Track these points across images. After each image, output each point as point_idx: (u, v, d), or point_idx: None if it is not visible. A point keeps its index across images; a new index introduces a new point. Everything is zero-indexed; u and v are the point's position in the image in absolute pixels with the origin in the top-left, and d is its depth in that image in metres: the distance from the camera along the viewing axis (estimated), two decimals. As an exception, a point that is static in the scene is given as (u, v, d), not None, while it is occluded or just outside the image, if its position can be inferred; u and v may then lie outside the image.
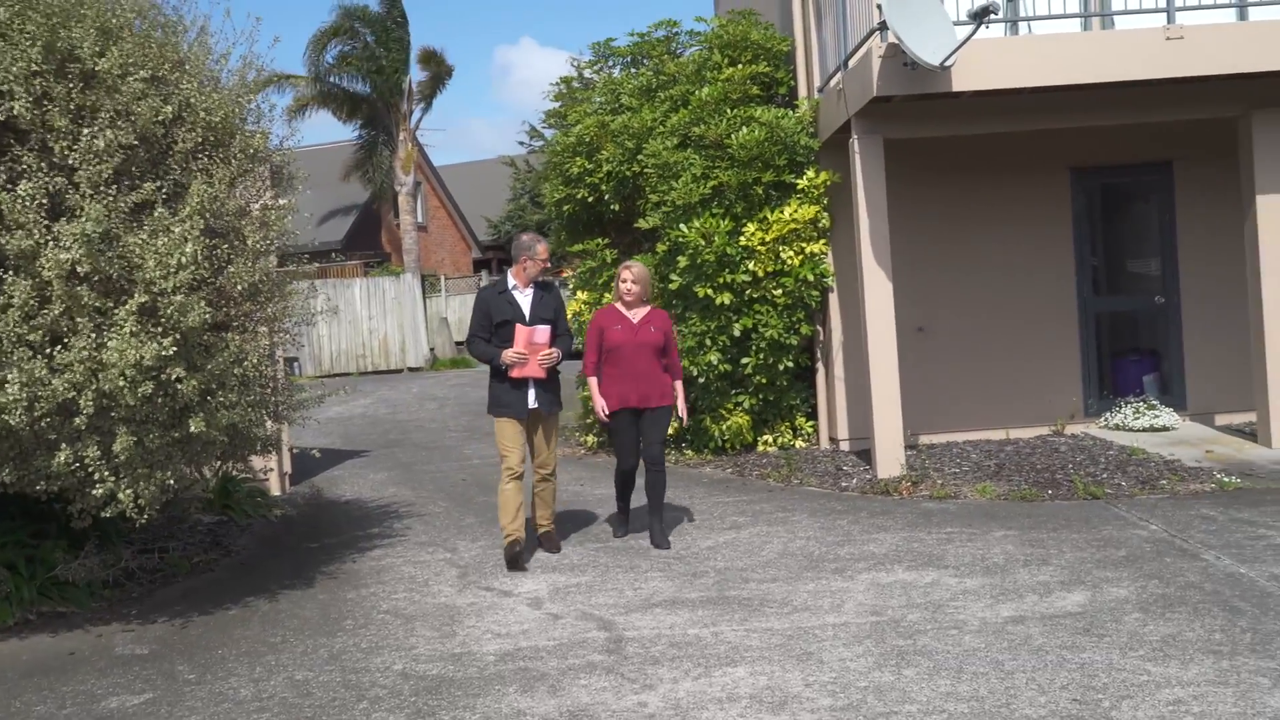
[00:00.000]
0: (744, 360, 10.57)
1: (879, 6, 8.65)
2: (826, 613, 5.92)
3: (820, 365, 11.03)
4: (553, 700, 4.90)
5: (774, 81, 11.41)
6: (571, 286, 12.66)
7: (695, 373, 10.46)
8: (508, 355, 7.10)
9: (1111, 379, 11.25)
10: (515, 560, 7.23)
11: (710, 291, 10.31)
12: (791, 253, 10.34)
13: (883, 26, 8.68)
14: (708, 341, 10.47)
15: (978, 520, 7.80)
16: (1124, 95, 9.39)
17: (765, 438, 10.95)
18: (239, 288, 6.51)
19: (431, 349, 26.87)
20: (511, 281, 7.29)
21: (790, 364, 10.62)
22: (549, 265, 6.69)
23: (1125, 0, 9.39)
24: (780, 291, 10.37)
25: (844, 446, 10.75)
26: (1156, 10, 9.14)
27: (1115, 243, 11.47)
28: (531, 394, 7.23)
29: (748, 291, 10.44)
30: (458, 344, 28.32)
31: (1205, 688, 4.61)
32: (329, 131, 39.55)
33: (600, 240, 11.69)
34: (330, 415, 16.65)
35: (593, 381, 7.50)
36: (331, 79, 29.27)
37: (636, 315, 7.51)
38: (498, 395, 7.27)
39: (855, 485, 9.24)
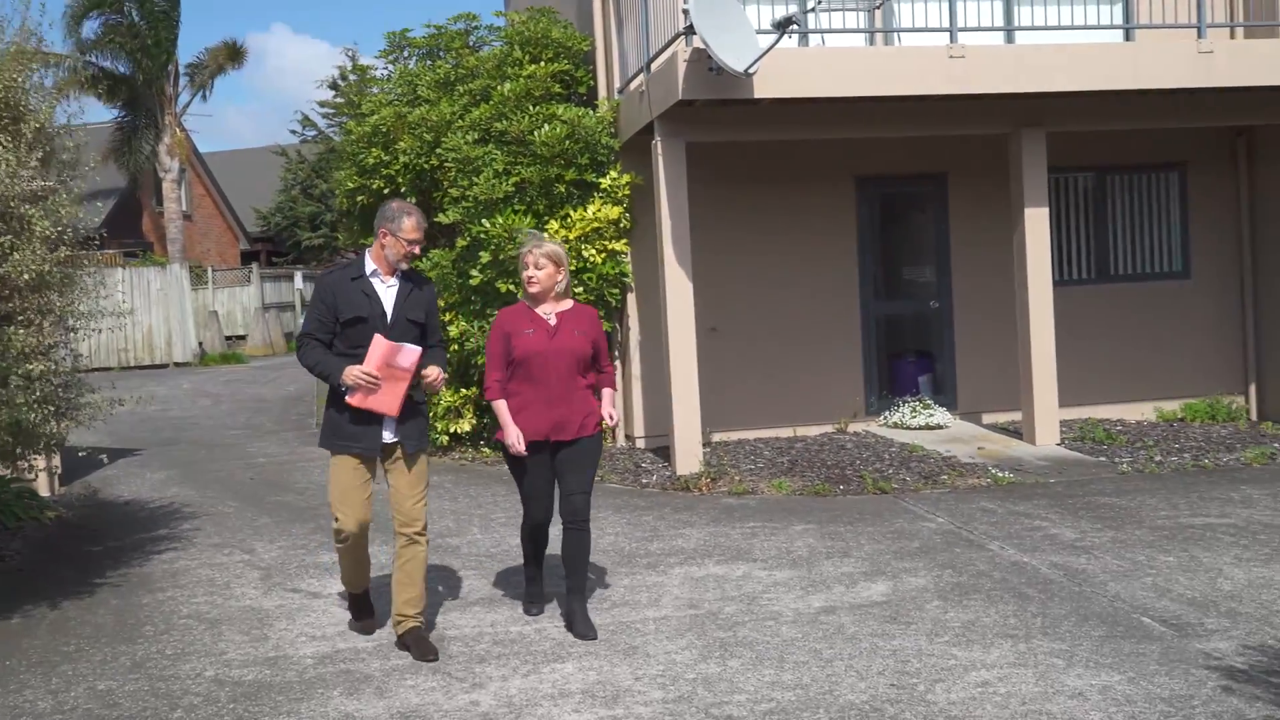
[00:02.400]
0: (544, 358, 10.57)
1: (685, 11, 8.82)
2: (645, 607, 6.01)
3: (618, 363, 11.15)
4: (381, 702, 4.79)
5: (574, 80, 11.47)
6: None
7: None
8: (351, 374, 5.09)
9: (890, 379, 11.82)
10: (363, 611, 5.76)
11: (513, 287, 10.27)
12: (594, 251, 10.42)
13: (689, 30, 8.85)
14: (509, 338, 10.42)
15: (778, 515, 8.06)
16: (908, 109, 9.88)
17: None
18: (25, 278, 6.08)
19: (200, 343, 25.72)
20: (370, 265, 5.29)
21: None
22: (418, 252, 5.29)
23: (913, 19, 9.90)
24: (582, 289, 10.43)
25: (640, 444, 10.91)
26: (941, 29, 9.66)
27: (895, 249, 12.06)
28: (389, 422, 5.28)
29: (550, 289, 10.44)
30: (228, 339, 27.21)
31: (1008, 669, 4.92)
32: (87, 111, 37.30)
33: (396, 234, 11.46)
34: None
35: (501, 407, 5.55)
36: (91, 57, 27.60)
37: (551, 314, 5.63)
38: (336, 422, 5.27)
39: (655, 482, 9.39)
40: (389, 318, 5.26)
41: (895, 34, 10.56)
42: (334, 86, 34.08)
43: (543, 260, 5.60)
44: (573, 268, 10.41)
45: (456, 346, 10.63)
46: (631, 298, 10.90)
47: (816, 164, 11.30)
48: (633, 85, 10.52)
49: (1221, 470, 9.14)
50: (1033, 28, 10.15)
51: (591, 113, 10.79)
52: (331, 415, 5.32)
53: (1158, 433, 10.71)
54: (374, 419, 5.23)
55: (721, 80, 8.89)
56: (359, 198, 11.68)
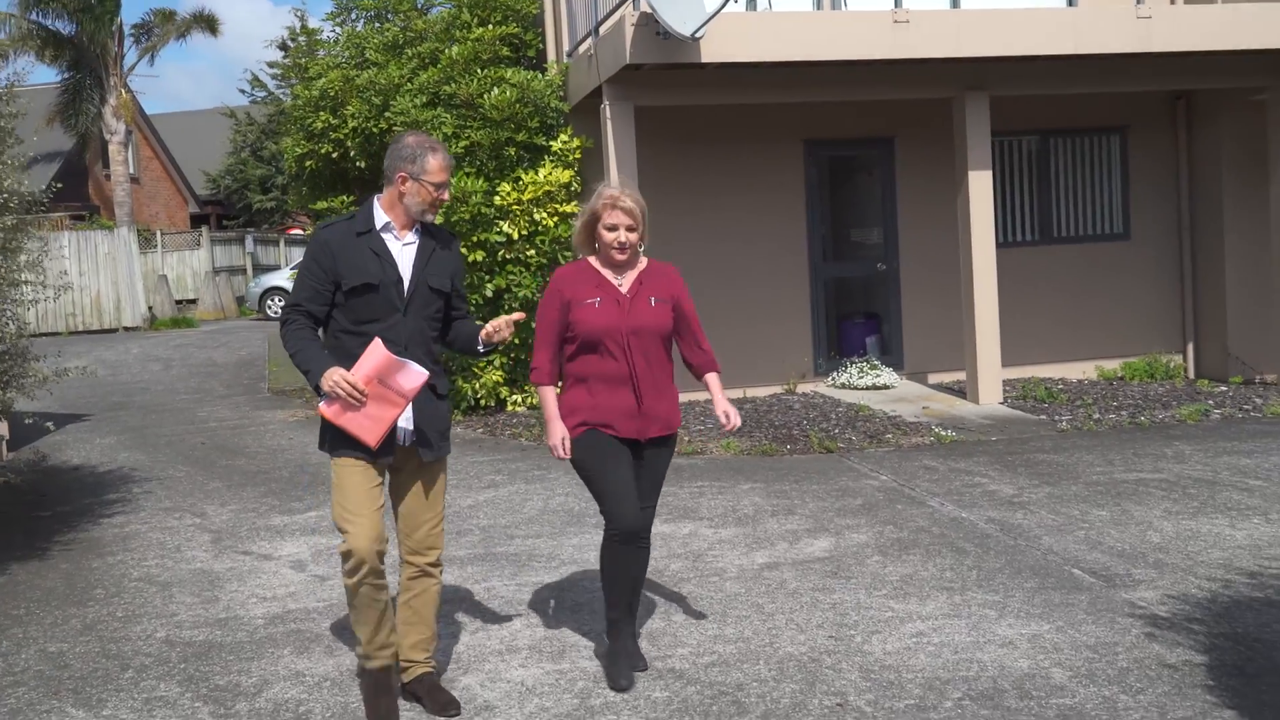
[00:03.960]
0: (496, 320, 10.63)
1: (633, -25, 8.85)
2: (593, 565, 6.12)
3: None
4: (331, 660, 4.88)
5: (523, 43, 11.47)
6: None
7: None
8: (331, 380, 3.93)
9: (839, 340, 11.98)
10: (386, 691, 4.18)
11: (464, 250, 10.31)
12: (545, 214, 10.47)
13: (637, -5, 8.89)
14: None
15: (726, 474, 8.20)
16: (855, 73, 9.98)
17: (515, 397, 11.06)
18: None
19: (150, 308, 25.47)
20: (380, 217, 4.13)
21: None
22: (446, 198, 4.16)
23: (858, -17, 9.98)
24: (534, 252, 10.48)
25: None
26: (886, -6, 9.76)
27: (843, 212, 12.19)
28: (407, 420, 4.18)
29: (501, 252, 10.49)
30: (178, 303, 26.98)
31: (942, 620, 5.08)
32: (32, 72, 36.59)
33: (345, 197, 11.46)
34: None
35: (548, 394, 4.46)
36: (34, 15, 27.08)
37: (626, 279, 4.47)
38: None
39: (606, 443, 9.49)
40: (406, 284, 4.12)
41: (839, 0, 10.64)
42: (283, 47, 33.64)
43: (634, 215, 4.38)
44: (525, 231, 10.47)
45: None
46: (582, 261, 10.95)
47: (765, 127, 11.37)
48: (581, 49, 10.54)
49: (1157, 427, 9.38)
50: (977, -8, 10.26)
51: (541, 76, 10.80)
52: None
53: (1097, 391, 10.96)
54: None
55: (669, 44, 8.94)
56: (307, 162, 11.64)
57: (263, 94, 35.84)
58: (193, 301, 27.87)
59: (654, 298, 4.47)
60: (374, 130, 11.06)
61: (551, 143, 10.63)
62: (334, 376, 3.94)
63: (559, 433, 4.42)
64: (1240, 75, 10.67)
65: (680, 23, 8.73)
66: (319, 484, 8.40)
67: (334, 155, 11.33)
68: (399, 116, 10.62)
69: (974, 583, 5.58)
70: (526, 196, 10.42)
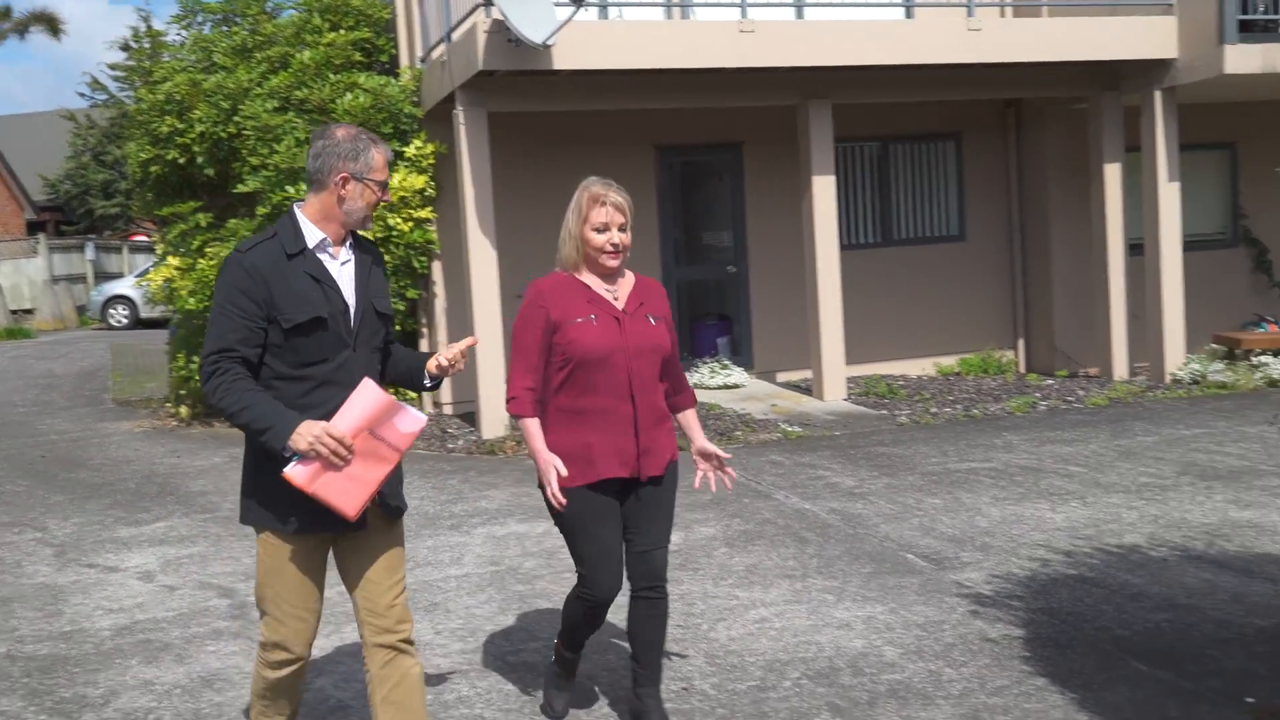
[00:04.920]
0: (349, 326, 10.59)
1: (483, -17, 8.94)
2: (448, 566, 6.21)
3: (425, 331, 11.24)
4: (181, 668, 4.88)
5: (376, 49, 11.44)
6: (160, 251, 12.09)
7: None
8: (312, 436, 3.14)
9: (691, 341, 12.25)
10: None
11: (315, 257, 10.24)
12: (400, 220, 10.47)
13: (488, 2, 8.98)
14: (312, 308, 10.41)
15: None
16: (703, 81, 10.24)
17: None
18: None
19: (-16, 317, 24.48)
20: (312, 232, 3.36)
21: (396, 329, 10.76)
22: (390, 200, 3.53)
23: (704, -6, 10.26)
24: (389, 258, 10.47)
25: (448, 410, 11.05)
26: (732, 4, 10.04)
27: (695, 216, 12.48)
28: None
29: (353, 258, 10.44)
30: (13, 313, 25.96)
31: (784, 606, 5.33)
32: None
33: (193, 203, 11.26)
34: None
35: (533, 428, 3.80)
36: None
37: (621, 293, 3.91)
38: (266, 485, 3.31)
39: (461, 446, 9.56)
40: (353, 312, 3.38)
41: (690, 8, 10.90)
42: (126, 48, 32.62)
43: (625, 211, 3.86)
44: (379, 235, 10.46)
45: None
46: (437, 266, 11.00)
47: (618, 133, 11.57)
48: (434, 54, 10.59)
49: (989, 419, 9.87)
50: (819, 4, 10.64)
51: (394, 82, 10.80)
52: (255, 470, 3.35)
53: (935, 386, 11.46)
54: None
55: (521, 51, 9.06)
56: (152, 168, 11.39)
57: (104, 97, 34.69)
58: (30, 311, 26.84)
59: (652, 315, 3.88)
60: (222, 135, 10.89)
61: (405, 149, 10.64)
62: (314, 431, 3.12)
63: (552, 470, 3.71)
64: (1062, 85, 11.28)
65: (532, 30, 8.85)
66: (167, 494, 8.30)
67: (180, 161, 11.12)
68: (249, 121, 10.50)
69: (815, 570, 5.85)
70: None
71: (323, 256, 3.36)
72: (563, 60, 9.24)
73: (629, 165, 11.74)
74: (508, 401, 3.81)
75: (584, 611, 3.97)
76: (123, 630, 5.40)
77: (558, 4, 9.15)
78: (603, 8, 10.37)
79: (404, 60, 11.30)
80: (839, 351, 10.79)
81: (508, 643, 5.00)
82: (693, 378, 11.71)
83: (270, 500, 3.31)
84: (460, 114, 9.65)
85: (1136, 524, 6.40)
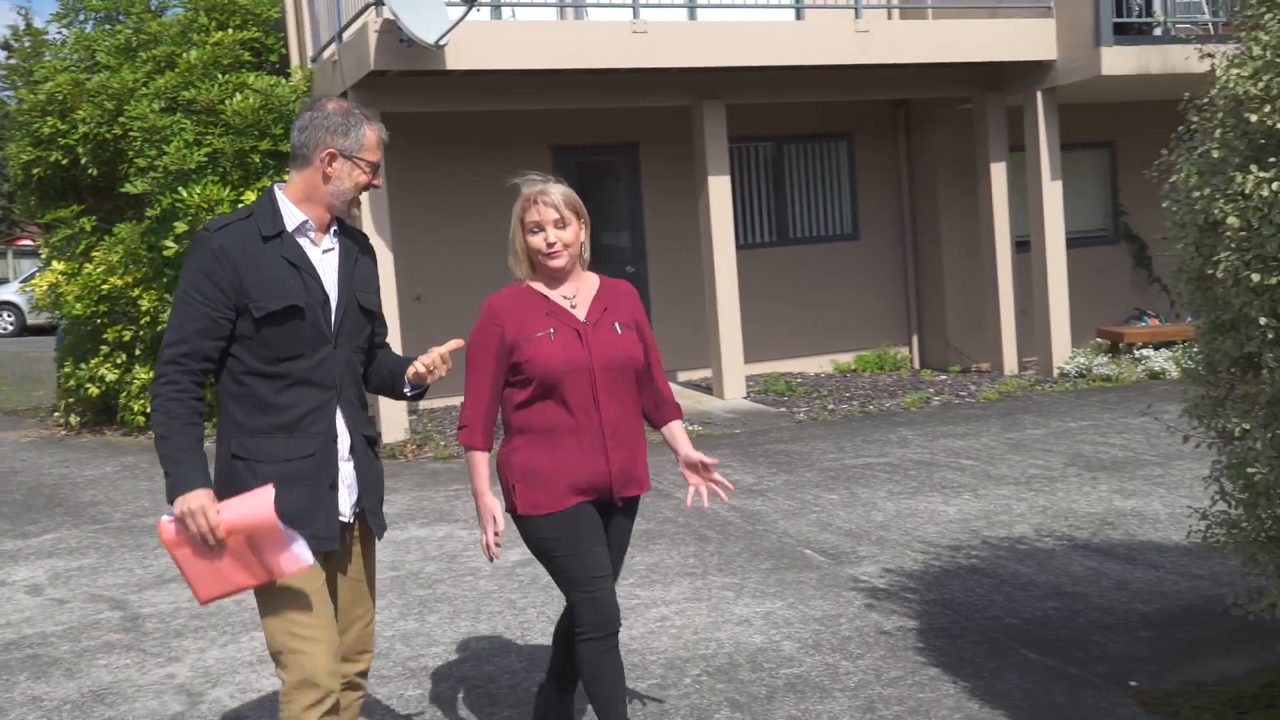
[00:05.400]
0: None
1: (374, -18, 8.86)
2: (347, 572, 6.15)
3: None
4: (71, 683, 4.76)
5: (265, 48, 11.26)
6: (44, 256, 11.75)
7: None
8: (189, 507, 2.84)
9: (592, 342, 12.25)
10: None
11: (206, 261, 10.04)
12: (292, 222, 10.30)
13: (379, 1, 8.90)
14: (204, 312, 10.22)
15: (481, 477, 8.33)
16: (598, 81, 10.28)
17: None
18: None
19: None
20: (292, 213, 3.05)
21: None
22: (380, 184, 3.21)
23: (598, -5, 10.29)
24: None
25: (346, 414, 10.91)
26: (624, 5, 10.09)
27: (593, 216, 12.41)
28: (348, 487, 3.14)
29: (246, 261, 10.27)
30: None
31: (685, 604, 5.38)
32: None
33: (76, 206, 10.97)
34: None
35: (479, 463, 3.46)
36: None
37: (582, 301, 3.57)
38: (251, 483, 2.99)
39: (361, 451, 9.46)
40: (334, 305, 3.09)
41: (584, 8, 10.92)
42: (6, 47, 31.60)
43: (565, 211, 3.46)
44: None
45: (148, 322, 10.32)
46: (332, 268, 10.85)
47: (513, 133, 11.55)
48: (325, 54, 10.45)
49: (884, 415, 10.07)
50: (712, 5, 10.73)
51: (285, 82, 10.64)
52: (238, 471, 3.00)
53: (833, 383, 11.65)
54: (326, 473, 3.06)
55: (413, 51, 9.00)
56: (35, 170, 11.07)
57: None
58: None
59: (619, 323, 3.54)
60: (107, 136, 10.63)
61: (297, 149, 10.47)
62: (193, 504, 2.83)
63: (490, 514, 3.39)
64: (949, 86, 11.55)
65: (424, 30, 8.80)
66: (55, 505, 8.08)
67: (64, 162, 10.83)
68: (135, 122, 10.25)
69: (715, 567, 5.92)
70: (272, 204, 10.23)
71: (303, 241, 3.06)
72: (456, 60, 9.19)
73: (525, 166, 11.58)
74: (458, 430, 3.49)
75: (600, 655, 3.43)
76: (9, 645, 5.25)
77: (450, 4, 9.11)
78: (496, 8, 10.34)
79: (294, 60, 11.14)
80: (738, 350, 10.91)
81: (408, 648, 4.97)
82: (593, 378, 11.72)
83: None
84: (354, 115, 9.53)
85: (1026, 515, 6.59)
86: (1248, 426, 3.42)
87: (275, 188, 3.09)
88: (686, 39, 10.03)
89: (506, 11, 10.77)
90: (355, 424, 3.14)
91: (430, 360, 3.16)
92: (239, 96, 10.20)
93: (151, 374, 10.46)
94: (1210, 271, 3.46)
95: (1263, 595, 3.47)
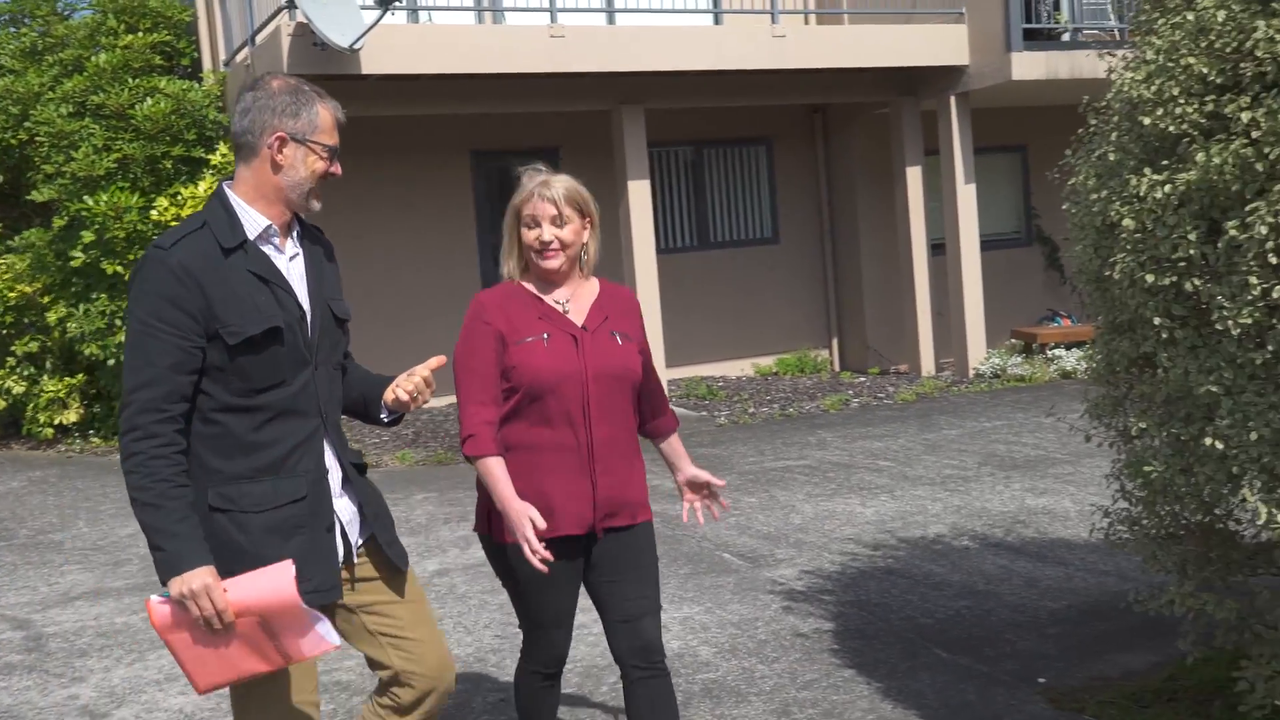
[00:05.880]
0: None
1: (286, -15, 8.74)
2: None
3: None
4: (-31, 707, 4.63)
5: (176, 52, 11.06)
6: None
7: (104, 355, 9.94)
8: (190, 588, 2.43)
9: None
10: None
11: (121, 269, 9.84)
12: (204, 230, 10.13)
13: (291, 4, 8.78)
14: (118, 322, 9.99)
15: (400, 485, 8.25)
16: (516, 86, 10.23)
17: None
18: None
19: None
20: (255, 220, 2.67)
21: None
22: (339, 173, 2.83)
23: (516, -1, 10.26)
24: (192, 269, 10.12)
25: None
26: (541, 10, 10.06)
27: (513, 222, 12.41)
28: (349, 524, 2.78)
29: (157, 269, 10.07)
30: None
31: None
32: None
33: (-21, 214, 10.69)
34: None
35: (495, 468, 3.04)
36: None
37: (579, 306, 3.24)
38: (237, 538, 2.59)
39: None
40: (309, 321, 2.71)
41: (502, 13, 10.88)
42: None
43: (565, 208, 3.13)
44: (181, 247, 10.10)
45: (57, 333, 10.08)
46: (247, 276, 10.69)
47: (433, 139, 11.47)
48: (238, 58, 10.29)
49: (804, 418, 10.15)
50: (630, 10, 10.74)
51: (197, 86, 10.45)
52: (221, 525, 2.59)
53: (754, 387, 11.72)
54: (323, 516, 2.68)
55: (328, 55, 8.89)
56: (-66, 176, 10.77)
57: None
58: None
59: (619, 333, 3.23)
60: (12, 142, 10.37)
61: (211, 156, 10.30)
62: (195, 584, 2.42)
63: (525, 518, 2.95)
64: (866, 91, 11.68)
65: (338, 34, 8.69)
66: (-42, 523, 7.85)
67: (-37, 169, 10.56)
68: (41, 128, 10.00)
69: (633, 573, 5.90)
70: (186, 211, 10.03)
71: (267, 249, 2.67)
72: (372, 65, 9.10)
73: (445, 171, 11.64)
74: (463, 441, 3.06)
75: (535, 688, 3.31)
76: (-95, 671, 5.09)
77: (365, 7, 9.02)
78: (413, 11, 10.25)
79: (207, 64, 10.97)
80: (659, 354, 10.91)
81: (320, 663, 4.89)
82: (515, 384, 11.67)
83: (229, 556, 2.54)
84: (267, 120, 9.39)
85: (941, 515, 6.67)
86: (1145, 425, 3.49)
87: (224, 187, 2.69)
88: (605, 44, 10.02)
89: (424, 15, 10.70)
90: (343, 453, 2.77)
91: (413, 385, 2.77)
92: (150, 101, 10.00)
93: (59, 385, 10.28)
94: (1108, 273, 3.52)
95: (1163, 591, 3.54)
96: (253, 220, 2.65)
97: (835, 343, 13.15)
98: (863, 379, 12.02)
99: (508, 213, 3.20)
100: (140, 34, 10.69)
